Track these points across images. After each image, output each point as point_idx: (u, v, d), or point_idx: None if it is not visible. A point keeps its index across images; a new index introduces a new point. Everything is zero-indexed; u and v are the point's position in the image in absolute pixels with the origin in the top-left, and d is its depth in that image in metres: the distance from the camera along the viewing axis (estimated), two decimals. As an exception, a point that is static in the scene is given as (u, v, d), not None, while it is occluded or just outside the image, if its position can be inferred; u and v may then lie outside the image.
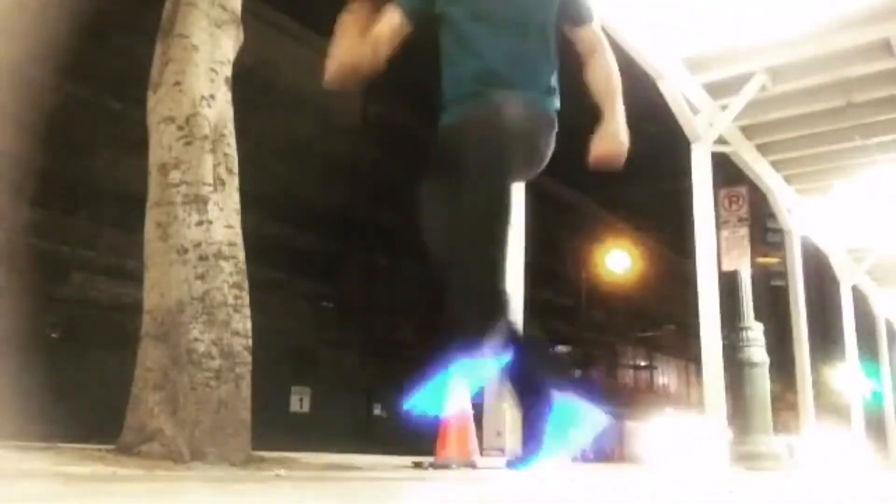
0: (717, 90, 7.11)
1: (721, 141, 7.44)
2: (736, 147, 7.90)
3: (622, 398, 34.48)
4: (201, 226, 2.81)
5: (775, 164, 8.69)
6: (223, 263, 2.82)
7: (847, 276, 12.02)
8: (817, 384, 11.22)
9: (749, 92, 6.91)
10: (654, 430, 27.47)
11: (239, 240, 2.92)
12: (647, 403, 36.17)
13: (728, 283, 7.46)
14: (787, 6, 6.03)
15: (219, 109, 2.98)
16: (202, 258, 2.78)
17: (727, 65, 6.81)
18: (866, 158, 8.20)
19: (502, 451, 4.21)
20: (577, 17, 2.37)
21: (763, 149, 8.38)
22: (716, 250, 7.10)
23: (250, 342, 2.86)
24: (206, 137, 2.90)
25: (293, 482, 2.14)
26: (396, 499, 1.89)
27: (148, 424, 2.61)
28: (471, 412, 3.82)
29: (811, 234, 10.34)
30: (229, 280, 2.82)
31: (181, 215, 2.80)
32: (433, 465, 3.63)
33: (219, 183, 2.90)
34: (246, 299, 2.87)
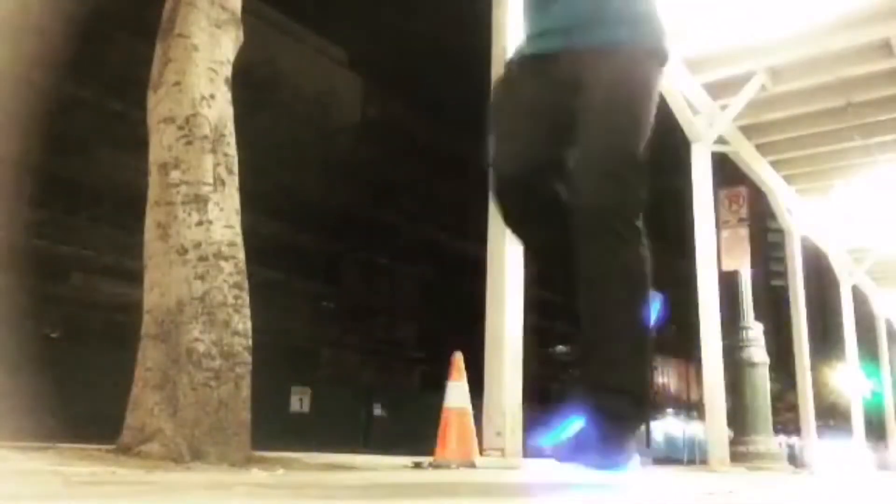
0: (717, 90, 7.11)
1: (721, 141, 7.44)
2: (736, 147, 7.90)
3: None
4: (201, 226, 2.81)
5: (775, 164, 8.70)
6: (223, 263, 2.82)
7: (847, 276, 12.03)
8: (817, 384, 11.22)
9: (749, 92, 6.91)
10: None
11: (239, 240, 2.92)
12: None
13: (728, 283, 7.46)
14: (787, 6, 6.03)
15: (219, 109, 2.98)
16: (202, 258, 2.78)
17: (727, 65, 6.81)
18: (866, 158, 8.20)
19: (502, 451, 4.21)
20: None
21: (763, 149, 8.39)
22: (716, 250, 7.10)
23: (250, 342, 2.86)
24: (206, 137, 2.90)
25: (293, 482, 2.14)
26: (396, 499, 1.89)
27: (148, 424, 2.61)
28: (471, 411, 3.82)
29: (811, 234, 10.34)
30: (229, 280, 2.82)
31: (181, 215, 2.80)
32: (433, 465, 3.63)
33: (219, 183, 2.90)
34: (246, 299, 2.87)
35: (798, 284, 9.48)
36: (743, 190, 8.10)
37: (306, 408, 17.43)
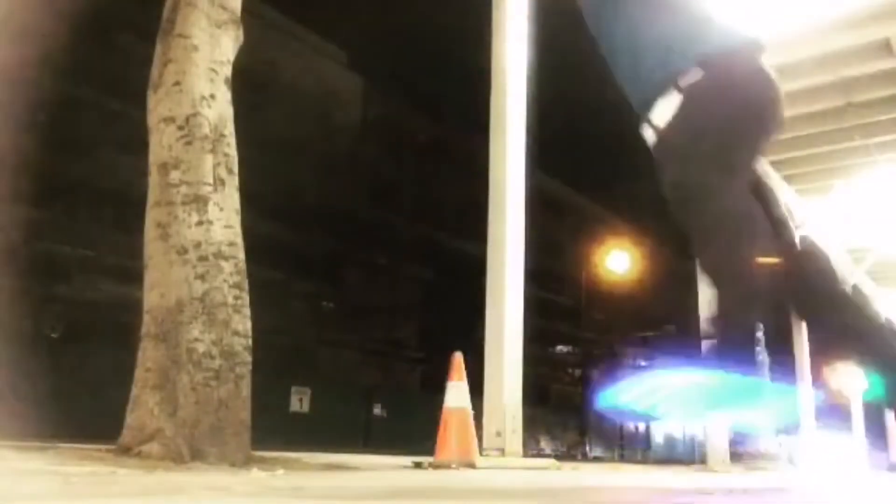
0: (718, 90, 7.11)
1: (721, 141, 7.44)
2: (736, 147, 7.90)
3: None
4: (201, 226, 2.81)
5: (775, 164, 8.70)
6: (223, 263, 2.82)
7: (847, 276, 12.02)
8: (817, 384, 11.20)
9: (749, 92, 6.91)
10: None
11: (239, 240, 2.92)
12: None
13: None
14: (787, 6, 6.03)
15: (219, 109, 2.98)
16: (202, 258, 2.78)
17: (727, 65, 6.80)
18: (866, 158, 8.20)
19: (502, 451, 4.21)
20: None
21: (763, 148, 8.38)
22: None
23: (250, 342, 2.86)
24: (206, 137, 2.90)
25: (293, 482, 2.14)
26: (396, 499, 1.89)
27: (148, 424, 2.61)
28: (471, 412, 3.82)
29: (811, 234, 10.34)
30: (229, 280, 2.82)
31: (181, 215, 2.80)
32: (433, 465, 3.63)
33: (219, 183, 2.90)
34: (246, 299, 2.87)
35: (798, 284, 9.46)
36: (743, 190, 8.08)
37: (306, 408, 17.41)
